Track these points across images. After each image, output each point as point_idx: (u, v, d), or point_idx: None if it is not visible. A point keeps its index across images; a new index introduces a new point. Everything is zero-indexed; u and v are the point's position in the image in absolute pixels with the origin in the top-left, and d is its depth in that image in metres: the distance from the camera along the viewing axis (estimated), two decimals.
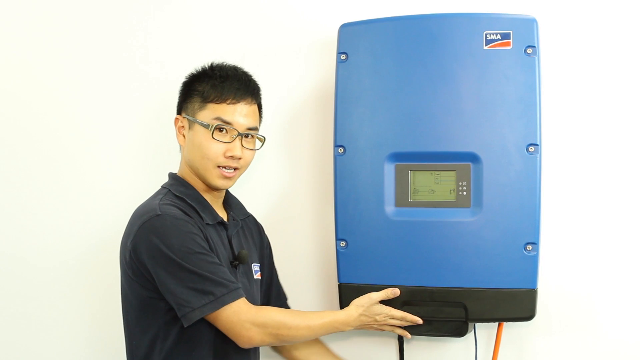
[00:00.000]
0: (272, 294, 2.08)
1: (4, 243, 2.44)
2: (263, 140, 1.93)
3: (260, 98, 1.94)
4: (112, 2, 2.37)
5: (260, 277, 2.00)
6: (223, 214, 1.95)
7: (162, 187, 1.92)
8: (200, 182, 1.89)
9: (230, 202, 2.00)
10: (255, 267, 1.98)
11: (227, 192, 2.00)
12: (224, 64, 1.92)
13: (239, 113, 1.85)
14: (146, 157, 2.35)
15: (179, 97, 1.93)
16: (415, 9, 2.07)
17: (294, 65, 2.25)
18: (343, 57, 2.01)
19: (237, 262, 1.87)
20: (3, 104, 2.43)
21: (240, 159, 1.85)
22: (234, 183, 1.90)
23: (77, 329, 2.40)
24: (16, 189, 2.42)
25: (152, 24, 2.35)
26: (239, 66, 1.93)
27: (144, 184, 2.08)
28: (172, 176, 1.93)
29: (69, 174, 2.39)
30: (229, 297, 1.74)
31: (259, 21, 2.28)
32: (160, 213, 1.77)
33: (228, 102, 1.84)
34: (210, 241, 1.82)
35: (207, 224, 1.85)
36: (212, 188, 1.89)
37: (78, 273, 2.38)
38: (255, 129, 1.89)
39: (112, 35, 2.37)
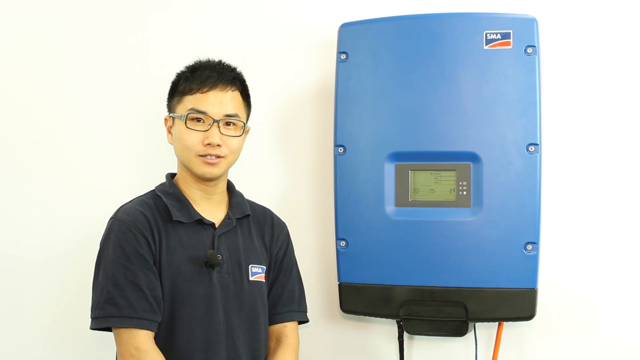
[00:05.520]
0: (280, 298, 1.98)
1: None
2: (244, 127, 1.87)
3: (241, 84, 1.88)
4: (112, 2, 2.37)
5: (264, 280, 1.91)
6: (219, 212, 1.90)
7: None
8: (191, 177, 1.86)
9: (232, 200, 1.94)
10: (255, 268, 1.90)
11: (232, 189, 1.95)
12: (205, 59, 1.89)
13: (212, 100, 1.81)
14: (147, 155, 2.35)
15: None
16: (415, 9, 2.07)
17: (294, 65, 2.25)
18: (343, 56, 2.01)
19: (209, 263, 1.81)
20: (3, 102, 2.43)
21: (219, 146, 1.81)
22: (221, 172, 1.85)
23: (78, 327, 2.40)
24: (15, 186, 2.42)
25: (153, 23, 2.35)
26: (223, 60, 1.88)
27: (144, 182, 2.07)
28: (166, 175, 1.93)
29: (69, 172, 2.39)
30: (118, 320, 1.71)
31: (260, 21, 2.28)
32: (114, 216, 1.81)
33: (200, 91, 1.82)
34: (166, 243, 1.78)
35: (179, 222, 1.81)
36: (202, 179, 1.85)
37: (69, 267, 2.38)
38: (235, 115, 1.84)
39: (112, 34, 2.37)
